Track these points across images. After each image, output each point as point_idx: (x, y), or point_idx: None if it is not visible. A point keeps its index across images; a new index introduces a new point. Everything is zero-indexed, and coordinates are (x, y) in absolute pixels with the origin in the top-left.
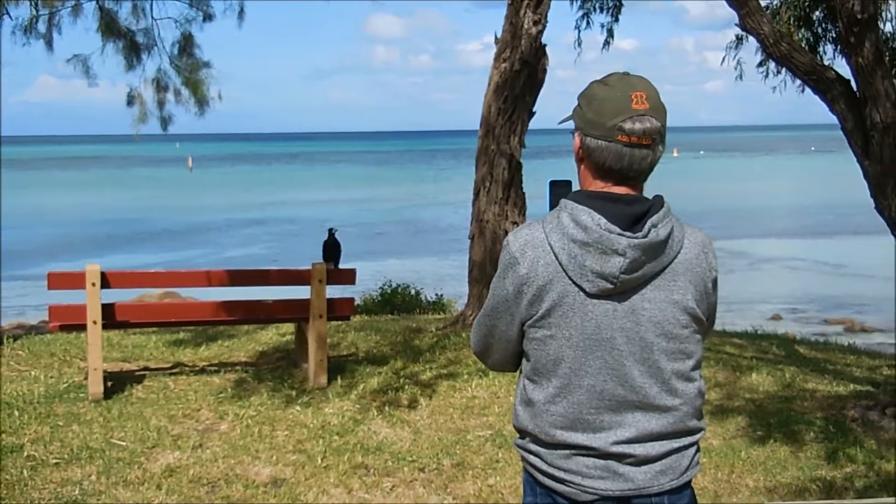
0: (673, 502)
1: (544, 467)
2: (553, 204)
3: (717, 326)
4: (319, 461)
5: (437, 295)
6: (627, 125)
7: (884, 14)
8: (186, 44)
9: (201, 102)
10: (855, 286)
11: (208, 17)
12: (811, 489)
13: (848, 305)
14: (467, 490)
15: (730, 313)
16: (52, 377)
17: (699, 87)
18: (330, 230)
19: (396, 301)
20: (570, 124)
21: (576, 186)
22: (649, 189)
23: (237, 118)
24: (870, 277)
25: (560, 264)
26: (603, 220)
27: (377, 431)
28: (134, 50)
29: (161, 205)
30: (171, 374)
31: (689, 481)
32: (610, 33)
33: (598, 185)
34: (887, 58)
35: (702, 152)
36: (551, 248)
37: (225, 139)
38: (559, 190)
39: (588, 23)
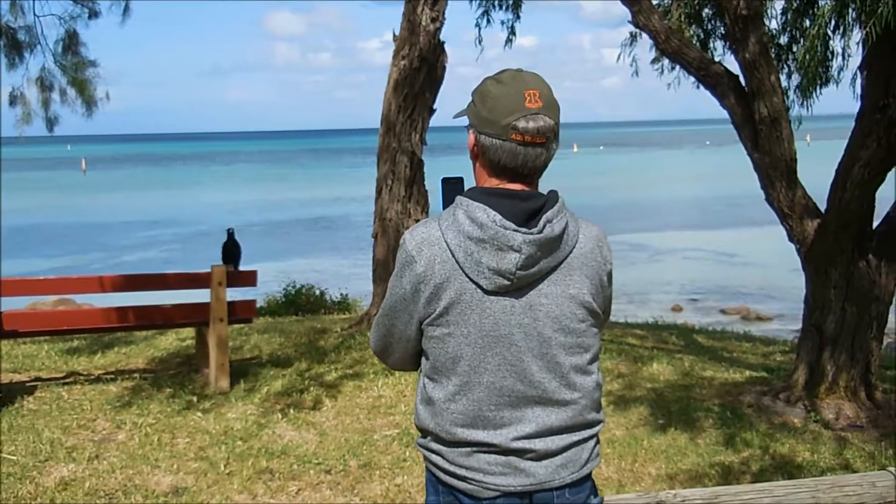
0: (574, 495)
1: (446, 465)
2: (446, 201)
3: (620, 318)
4: (222, 467)
5: (341, 294)
6: (521, 124)
7: (768, 11)
8: (71, 41)
9: (89, 103)
10: (750, 276)
11: (94, 14)
12: (710, 474)
13: (744, 294)
14: (374, 490)
15: (631, 305)
16: None
17: (597, 84)
18: (229, 231)
19: (301, 302)
20: (465, 119)
21: (470, 183)
22: (552, 184)
23: (133, 118)
24: (764, 267)
25: (457, 262)
26: (498, 217)
27: (282, 435)
28: (15, 48)
29: (55, 208)
30: (64, 383)
31: (590, 474)
32: (512, 30)
33: (494, 182)
34: (773, 53)
35: (601, 147)
36: (448, 245)
37: (120, 140)
38: (451, 187)
39: (488, 20)
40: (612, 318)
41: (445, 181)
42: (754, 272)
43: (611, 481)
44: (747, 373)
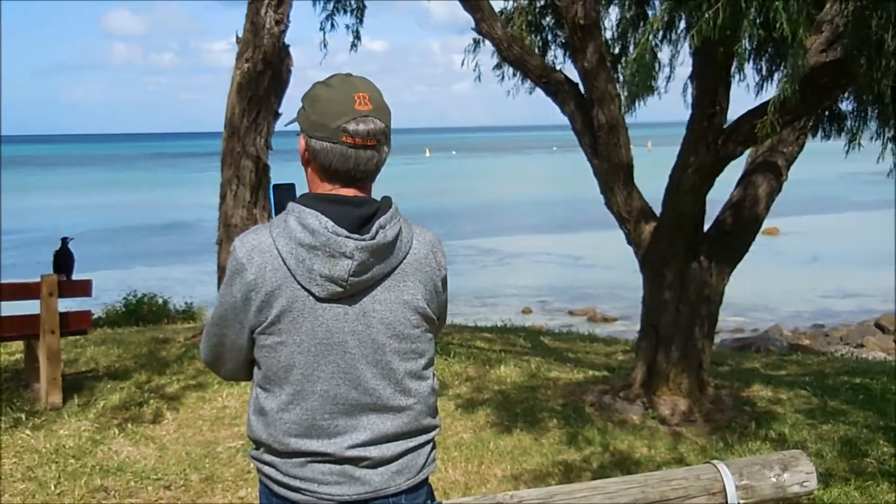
0: (410, 501)
1: (279, 477)
2: (278, 207)
3: (469, 322)
4: (53, 488)
5: (186, 303)
6: (351, 126)
7: (605, 21)
8: None
9: None
10: (597, 277)
11: None
12: (553, 473)
13: (591, 296)
14: None
15: (483, 308)
16: None
17: (448, 89)
18: (63, 239)
19: (142, 311)
20: (297, 126)
21: (303, 189)
22: (405, 188)
23: None
24: (610, 268)
25: (288, 269)
26: (330, 223)
27: (118, 451)
28: None
29: None
30: None
31: (427, 479)
32: (356, 35)
33: (326, 188)
34: (609, 62)
35: (453, 152)
36: (279, 252)
37: None
38: (282, 193)
39: (332, 24)
40: (461, 322)
41: (276, 187)
42: (601, 274)
43: (457, 484)
44: (590, 372)
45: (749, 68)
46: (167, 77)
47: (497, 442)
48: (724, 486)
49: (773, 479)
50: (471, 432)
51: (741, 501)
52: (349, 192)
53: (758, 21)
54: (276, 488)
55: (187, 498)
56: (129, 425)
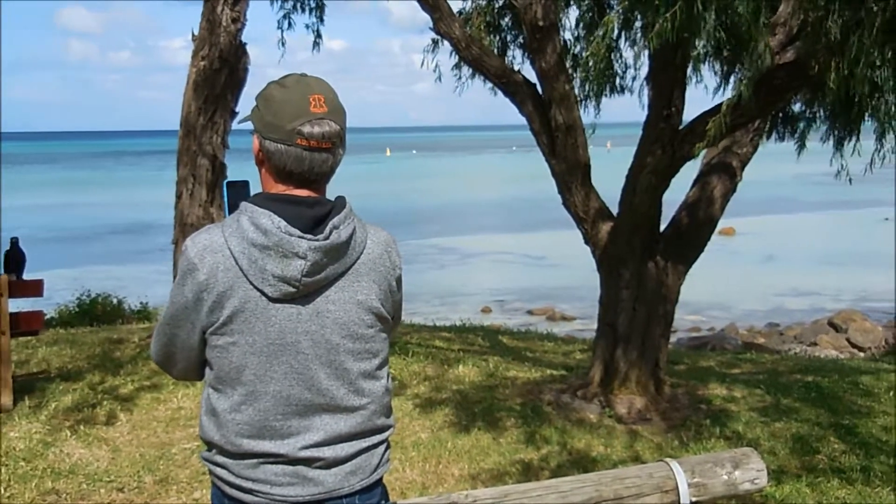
0: (364, 501)
1: (231, 479)
2: (231, 205)
3: (429, 321)
4: (2, 491)
5: (141, 303)
6: (306, 129)
7: (564, 23)
8: None
9: None
10: (557, 277)
11: None
12: (511, 472)
13: (550, 295)
14: None
15: (442, 307)
16: None
17: (408, 88)
18: (12, 239)
19: (96, 311)
20: (251, 125)
21: (256, 188)
22: (366, 188)
23: None
24: (569, 268)
25: (241, 269)
26: (283, 223)
27: (70, 453)
28: None
29: None
30: None
31: (381, 479)
32: (317, 34)
33: (280, 188)
34: (569, 63)
35: (414, 152)
36: (231, 252)
37: None
38: (236, 191)
39: (290, 23)
40: (420, 321)
41: (230, 185)
42: (560, 273)
43: (415, 484)
44: (548, 371)
45: (705, 70)
46: (125, 74)
47: (455, 441)
48: (676, 483)
49: (725, 477)
50: (429, 432)
51: (693, 499)
52: (303, 192)
53: (716, 23)
54: (228, 490)
55: (141, 500)
56: (82, 427)
